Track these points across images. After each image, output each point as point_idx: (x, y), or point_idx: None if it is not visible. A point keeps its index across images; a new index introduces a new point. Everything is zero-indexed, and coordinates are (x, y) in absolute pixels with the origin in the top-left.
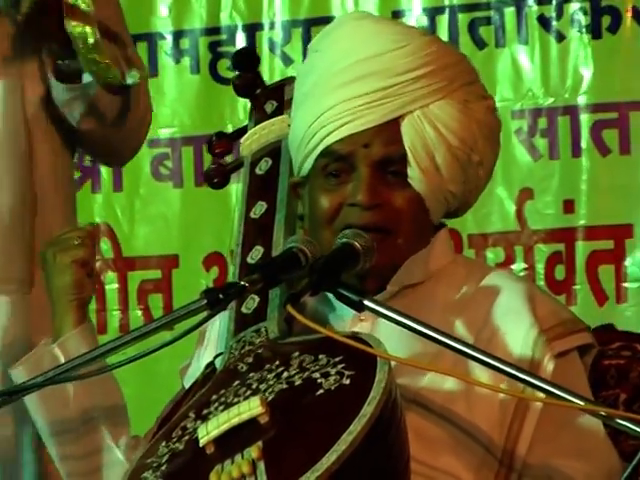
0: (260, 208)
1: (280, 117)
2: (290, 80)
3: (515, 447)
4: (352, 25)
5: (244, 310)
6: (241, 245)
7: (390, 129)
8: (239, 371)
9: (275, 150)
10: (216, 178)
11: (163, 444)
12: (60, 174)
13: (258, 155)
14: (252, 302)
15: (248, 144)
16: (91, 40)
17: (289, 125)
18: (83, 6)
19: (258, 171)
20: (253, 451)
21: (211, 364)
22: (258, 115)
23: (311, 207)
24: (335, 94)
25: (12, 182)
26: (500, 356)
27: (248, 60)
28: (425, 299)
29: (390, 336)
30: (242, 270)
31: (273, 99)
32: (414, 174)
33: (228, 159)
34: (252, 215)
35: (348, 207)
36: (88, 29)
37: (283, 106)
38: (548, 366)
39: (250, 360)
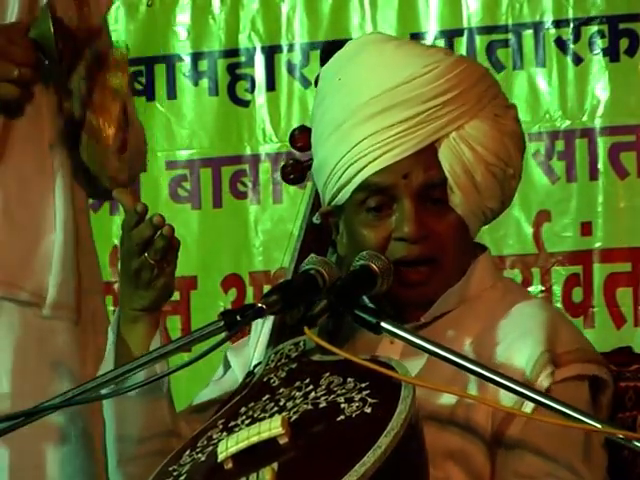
0: None
1: None
2: None
3: (506, 429)
4: (374, 50)
5: (287, 320)
6: (299, 250)
7: (427, 155)
8: (271, 385)
9: None
10: (292, 174)
11: (187, 452)
12: (85, 211)
13: None
14: (297, 313)
15: None
16: (106, 143)
17: None
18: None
19: None
20: (267, 472)
21: (250, 373)
22: None
23: (354, 241)
24: (367, 125)
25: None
26: (502, 369)
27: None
28: (454, 327)
29: (419, 360)
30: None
31: None
32: (455, 197)
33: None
34: (314, 220)
35: (395, 242)
36: (108, 133)
37: None
38: (542, 384)
39: (283, 375)
